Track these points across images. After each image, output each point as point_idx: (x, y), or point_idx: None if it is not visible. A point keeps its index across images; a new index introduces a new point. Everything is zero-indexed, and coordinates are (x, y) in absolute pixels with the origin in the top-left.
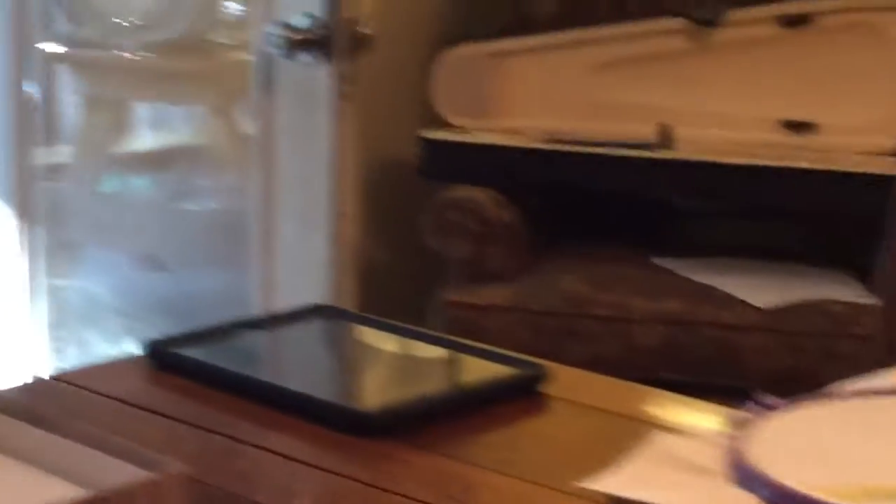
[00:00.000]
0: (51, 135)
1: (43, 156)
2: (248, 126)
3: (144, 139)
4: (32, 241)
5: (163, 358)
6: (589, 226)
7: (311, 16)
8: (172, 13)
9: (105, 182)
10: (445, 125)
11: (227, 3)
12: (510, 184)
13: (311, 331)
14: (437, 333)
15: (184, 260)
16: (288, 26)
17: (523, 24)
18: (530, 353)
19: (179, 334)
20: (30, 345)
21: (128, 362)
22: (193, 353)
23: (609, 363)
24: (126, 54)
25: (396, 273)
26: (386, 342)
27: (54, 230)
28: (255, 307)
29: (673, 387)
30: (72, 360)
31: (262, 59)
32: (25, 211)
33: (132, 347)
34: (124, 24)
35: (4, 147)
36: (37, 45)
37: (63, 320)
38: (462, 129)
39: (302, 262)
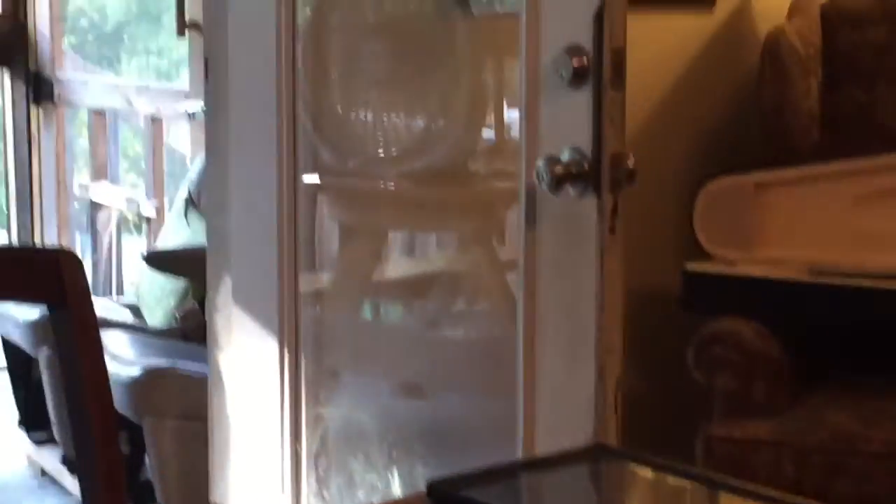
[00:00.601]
0: (312, 262)
1: (305, 283)
2: (507, 254)
3: (402, 266)
4: (295, 368)
5: (444, 499)
6: (857, 358)
7: (576, 150)
8: (431, 143)
9: (364, 309)
10: (708, 257)
11: (485, 132)
12: (775, 316)
13: (591, 471)
14: (716, 475)
15: (443, 388)
16: (554, 160)
17: (786, 155)
18: (796, 491)
19: (460, 474)
20: (295, 474)
21: (407, 502)
22: (476, 494)
23: (879, 503)
24: (384, 184)
25: (659, 406)
26: (664, 483)
27: (316, 357)
28: (517, 437)
29: None
30: (336, 489)
31: (528, 191)
32: (289, 338)
33: (395, 477)
34: (383, 154)
35: (270, 274)
36: (302, 177)
37: (326, 449)
38: (725, 261)
39: (565, 394)
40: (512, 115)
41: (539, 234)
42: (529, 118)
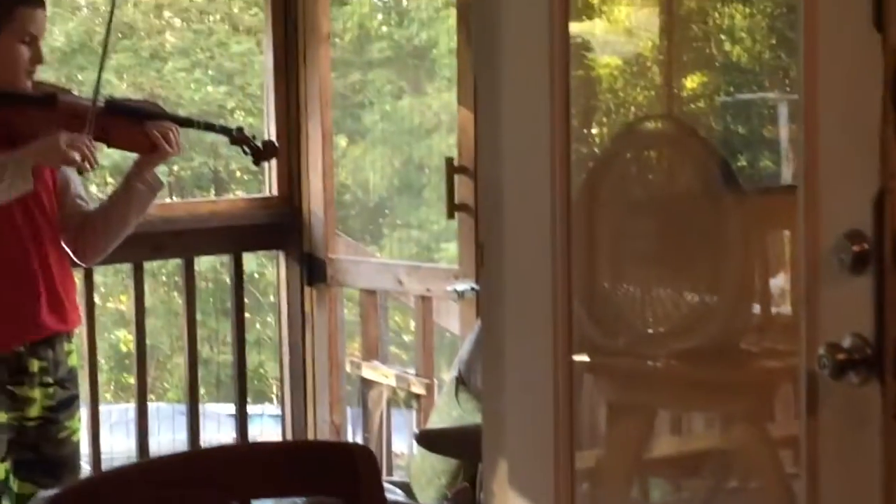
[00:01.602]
0: (581, 442)
1: (578, 461)
2: (778, 431)
3: (671, 444)
4: None
5: None
6: None
7: (858, 336)
8: (700, 321)
9: (634, 488)
10: None
11: (755, 309)
12: None
13: None
14: None
15: None
16: (836, 347)
17: None
18: None
19: None
20: None
21: None
22: None
23: None
24: (651, 362)
25: None
26: None
27: None
28: None
29: None
30: None
31: (808, 377)
32: None
33: None
34: (651, 332)
35: (545, 457)
36: (571, 357)
37: None
38: None
39: None
40: (781, 290)
41: (820, 421)
42: (809, 302)
